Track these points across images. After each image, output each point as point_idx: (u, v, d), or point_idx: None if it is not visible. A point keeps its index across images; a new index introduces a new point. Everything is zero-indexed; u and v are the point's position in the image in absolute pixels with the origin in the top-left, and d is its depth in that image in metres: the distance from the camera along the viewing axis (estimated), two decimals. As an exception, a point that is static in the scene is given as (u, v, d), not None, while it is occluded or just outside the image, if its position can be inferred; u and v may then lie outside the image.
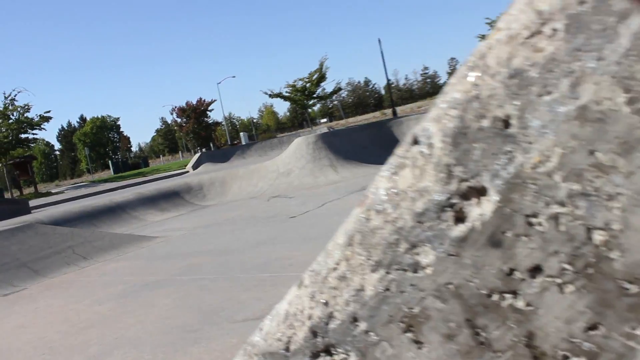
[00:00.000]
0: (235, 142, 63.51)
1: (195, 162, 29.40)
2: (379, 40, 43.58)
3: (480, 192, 0.66)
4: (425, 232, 0.70)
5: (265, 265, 5.77)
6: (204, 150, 50.16)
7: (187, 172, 28.36)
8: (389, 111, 67.17)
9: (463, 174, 0.68)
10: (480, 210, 0.66)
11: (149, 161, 63.55)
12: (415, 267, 0.72)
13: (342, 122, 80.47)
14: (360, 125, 35.33)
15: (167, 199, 14.71)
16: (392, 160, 0.84)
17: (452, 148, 0.69)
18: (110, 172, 53.45)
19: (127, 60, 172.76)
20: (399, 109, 66.52)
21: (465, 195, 0.68)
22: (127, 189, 23.56)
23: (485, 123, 0.66)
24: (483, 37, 24.94)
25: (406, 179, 0.76)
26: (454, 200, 0.69)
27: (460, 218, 0.68)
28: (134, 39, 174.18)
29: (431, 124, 0.76)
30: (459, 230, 0.68)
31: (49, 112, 32.90)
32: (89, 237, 8.95)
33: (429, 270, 0.70)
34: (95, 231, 9.82)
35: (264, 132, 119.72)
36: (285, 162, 16.04)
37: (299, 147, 16.18)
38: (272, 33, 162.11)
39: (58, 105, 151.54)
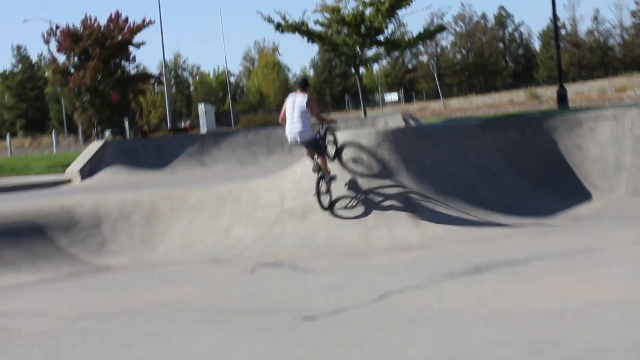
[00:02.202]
0: (185, 124, 62.85)
1: (92, 160, 30.47)
2: None
3: None
4: None
5: None
6: (108, 134, 49.96)
7: (69, 181, 29.56)
8: (548, 91, 66.35)
9: None
10: None
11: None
12: None
13: (437, 106, 78.19)
14: (479, 119, 35.66)
15: (16, 242, 15.76)
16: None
17: None
18: None
19: None
20: (572, 89, 63.67)
21: None
22: None
23: None
24: None
25: None
26: None
27: None
28: None
29: None
30: None
31: None
32: None
33: None
34: None
35: (251, 108, 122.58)
36: (301, 187, 16.87)
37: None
38: None
39: None
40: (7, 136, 67.08)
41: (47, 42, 52.44)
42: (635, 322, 7.95)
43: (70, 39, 51.08)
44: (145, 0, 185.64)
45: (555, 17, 47.71)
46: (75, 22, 52.45)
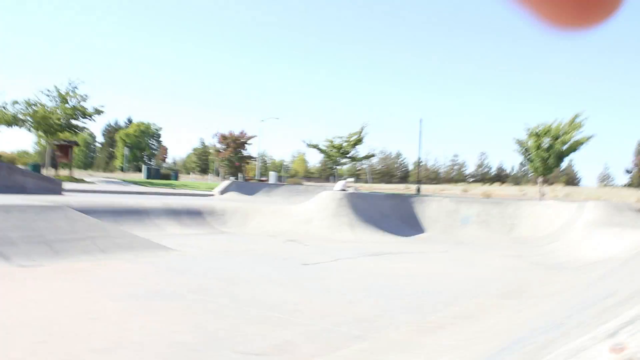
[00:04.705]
0: (264, 178, 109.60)
1: (224, 188, 58.22)
2: (420, 120, 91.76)
3: None
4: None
5: (274, 305, 10.02)
6: (232, 178, 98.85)
7: (213, 195, 51.85)
8: (413, 187, 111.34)
9: None
10: None
11: (179, 175, 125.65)
12: None
13: (367, 186, 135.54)
14: (383, 193, 57.06)
15: (190, 216, 27.23)
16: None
17: None
18: (141, 176, 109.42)
19: (187, 78, 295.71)
20: (423, 187, 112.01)
21: None
22: (154, 196, 43.51)
23: None
24: (520, 142, 55.20)
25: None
26: None
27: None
28: (195, 60, 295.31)
29: None
30: None
31: (102, 106, 74.76)
32: (111, 233, 16.42)
33: None
34: (119, 228, 17.53)
35: (291, 176, 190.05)
36: (309, 209, 29.99)
37: (324, 199, 31.14)
38: (324, 88, 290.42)
39: (112, 102, 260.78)
40: (191, 173, 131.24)
41: (213, 138, 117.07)
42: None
43: (222, 137, 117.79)
44: (255, 122, 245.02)
45: (419, 158, 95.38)
46: (225, 131, 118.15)
